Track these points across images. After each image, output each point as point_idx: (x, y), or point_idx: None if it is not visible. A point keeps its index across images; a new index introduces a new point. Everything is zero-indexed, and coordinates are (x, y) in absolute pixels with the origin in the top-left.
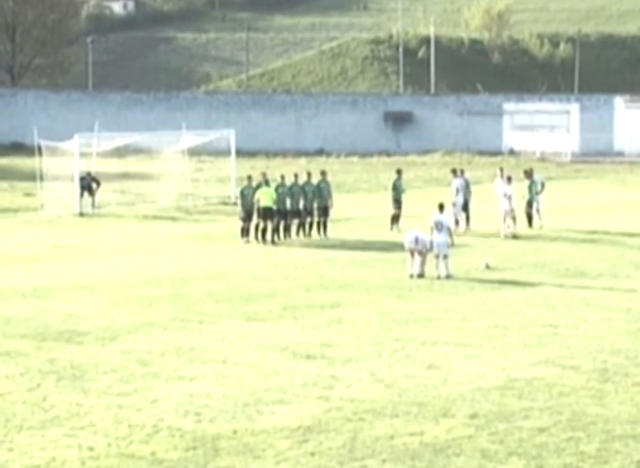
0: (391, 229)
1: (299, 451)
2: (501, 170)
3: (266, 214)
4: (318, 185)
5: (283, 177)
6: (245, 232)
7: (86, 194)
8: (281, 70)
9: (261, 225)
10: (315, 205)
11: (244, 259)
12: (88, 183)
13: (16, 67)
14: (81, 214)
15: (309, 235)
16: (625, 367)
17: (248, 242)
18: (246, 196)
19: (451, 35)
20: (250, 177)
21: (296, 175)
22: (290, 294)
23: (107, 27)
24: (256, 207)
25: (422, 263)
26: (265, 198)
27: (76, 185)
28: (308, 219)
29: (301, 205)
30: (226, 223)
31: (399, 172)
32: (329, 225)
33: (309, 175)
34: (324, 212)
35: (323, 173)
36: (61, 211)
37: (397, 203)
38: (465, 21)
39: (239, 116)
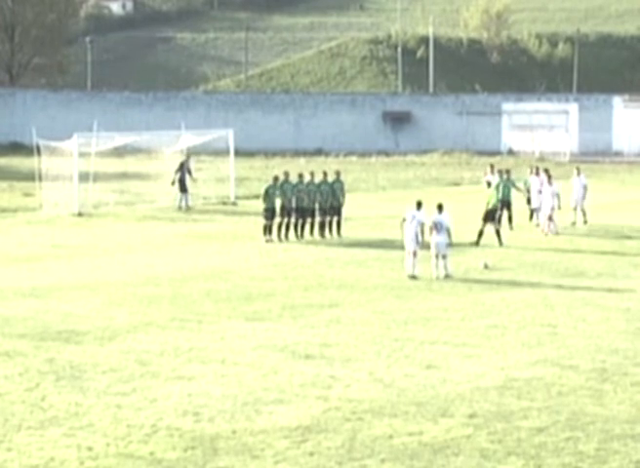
0: (507, 228)
1: (297, 451)
2: (537, 168)
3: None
4: (332, 185)
5: (301, 176)
6: (268, 231)
7: (178, 190)
8: (280, 70)
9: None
10: (328, 204)
11: (243, 259)
12: (182, 177)
13: (15, 67)
14: (79, 214)
15: (323, 235)
16: (624, 366)
17: (271, 241)
18: (270, 195)
19: (449, 35)
20: (276, 177)
21: (312, 174)
22: (289, 294)
23: (106, 27)
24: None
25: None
26: None
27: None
28: (323, 219)
29: (317, 204)
30: (225, 223)
31: (507, 172)
32: (343, 224)
33: (325, 174)
34: (337, 211)
35: (337, 172)
36: (60, 210)
37: (502, 203)
38: (464, 21)
39: (238, 116)
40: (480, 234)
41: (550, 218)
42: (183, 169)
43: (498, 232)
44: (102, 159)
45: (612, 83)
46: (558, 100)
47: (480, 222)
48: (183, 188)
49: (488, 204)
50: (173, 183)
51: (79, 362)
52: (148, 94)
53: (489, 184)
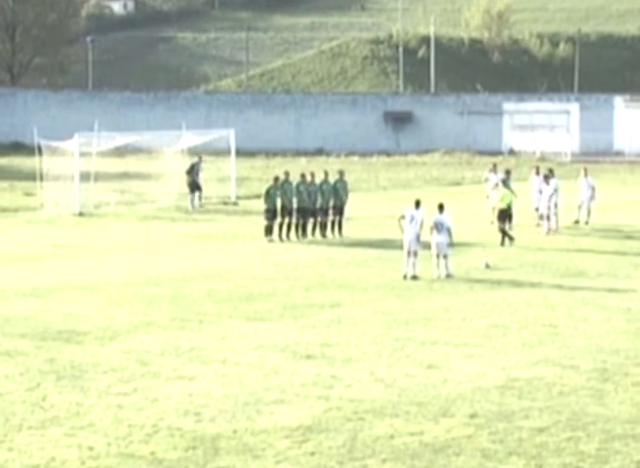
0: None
1: (298, 451)
2: (537, 168)
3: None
4: (335, 185)
5: (303, 176)
6: (269, 231)
7: (190, 191)
8: (281, 70)
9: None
10: (331, 204)
11: (244, 259)
12: (193, 179)
13: (15, 67)
14: (80, 214)
15: (324, 235)
16: (625, 366)
17: (272, 241)
18: (272, 195)
19: (451, 35)
20: (276, 178)
21: (312, 174)
22: (289, 294)
23: (107, 27)
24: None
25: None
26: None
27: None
28: (325, 218)
29: (318, 204)
30: (226, 223)
31: (507, 172)
32: (344, 224)
33: (327, 174)
34: (339, 211)
35: (340, 172)
36: (61, 210)
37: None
38: (465, 21)
39: (239, 116)
40: (503, 232)
41: (548, 218)
42: (194, 170)
43: (503, 231)
44: (103, 159)
45: (613, 83)
46: (559, 100)
47: (496, 222)
48: (197, 187)
49: (502, 201)
50: (189, 185)
51: (80, 361)
52: (149, 93)
53: (504, 182)
